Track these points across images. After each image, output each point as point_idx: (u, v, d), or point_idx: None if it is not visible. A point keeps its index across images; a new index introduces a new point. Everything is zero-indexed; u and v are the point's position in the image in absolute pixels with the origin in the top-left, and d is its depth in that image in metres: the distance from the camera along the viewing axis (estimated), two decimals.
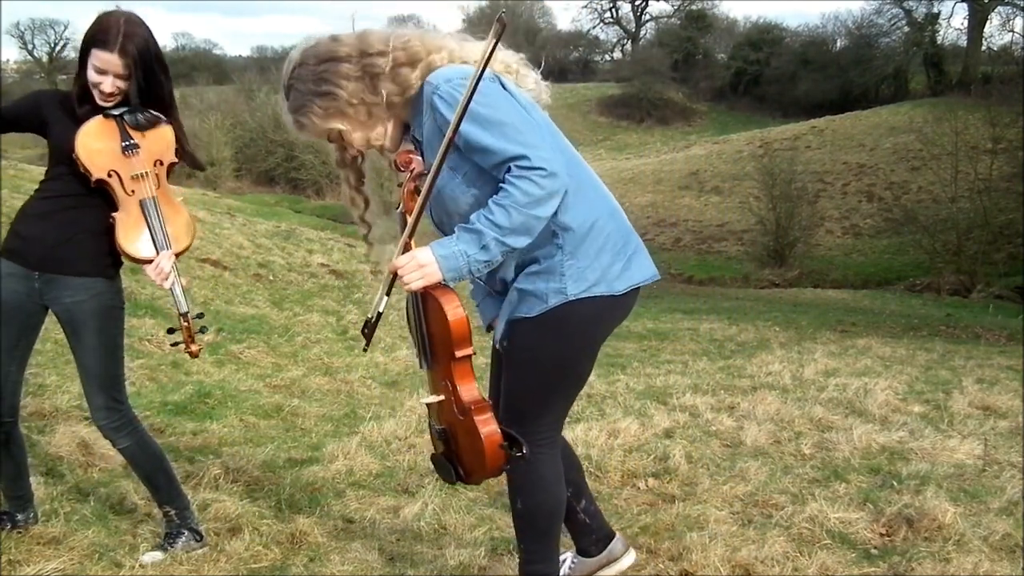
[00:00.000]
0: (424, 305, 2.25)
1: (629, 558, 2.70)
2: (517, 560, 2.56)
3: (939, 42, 44.79)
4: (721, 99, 50.78)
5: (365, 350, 2.54)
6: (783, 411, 5.06)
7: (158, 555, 2.89)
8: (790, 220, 24.86)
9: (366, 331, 2.31)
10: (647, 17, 58.76)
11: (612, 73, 56.37)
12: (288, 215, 28.08)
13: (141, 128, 2.71)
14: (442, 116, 2.11)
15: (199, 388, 5.21)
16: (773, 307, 14.93)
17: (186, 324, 2.81)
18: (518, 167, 2.05)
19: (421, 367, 2.35)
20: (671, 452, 4.13)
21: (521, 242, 2.11)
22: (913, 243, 23.70)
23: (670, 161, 36.92)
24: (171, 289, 2.75)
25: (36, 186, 2.79)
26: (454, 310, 2.15)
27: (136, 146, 2.69)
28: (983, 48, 42.34)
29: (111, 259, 2.77)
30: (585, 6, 67.63)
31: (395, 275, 2.17)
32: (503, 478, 2.39)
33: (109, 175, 2.66)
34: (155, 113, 2.73)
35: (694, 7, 55.47)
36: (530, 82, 2.31)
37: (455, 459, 2.31)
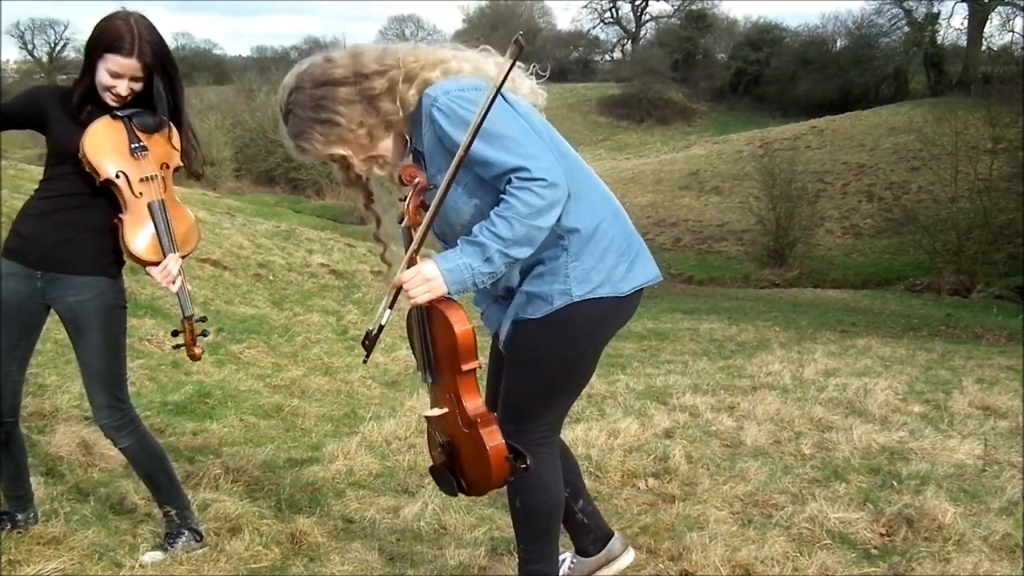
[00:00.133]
0: (429, 318, 2.23)
1: (628, 557, 2.71)
2: (517, 560, 2.56)
3: (939, 42, 44.83)
4: (721, 99, 50.75)
5: (365, 362, 2.54)
6: (783, 411, 5.06)
7: (158, 555, 2.89)
8: (790, 220, 24.84)
9: (366, 343, 2.29)
10: (647, 17, 58.87)
11: (612, 73, 56.37)
12: (288, 215, 28.10)
13: (149, 130, 2.70)
14: (441, 128, 2.12)
15: (199, 388, 5.22)
16: (773, 307, 14.92)
17: (190, 327, 2.82)
18: (519, 178, 2.06)
19: (424, 380, 2.33)
20: (671, 452, 4.13)
21: (524, 253, 2.12)
22: (913, 243, 23.68)
23: (670, 161, 36.91)
24: (177, 292, 2.76)
25: (36, 186, 2.78)
26: (461, 323, 2.15)
27: (144, 148, 2.69)
28: (983, 48, 42.36)
29: (114, 258, 2.77)
30: (585, 6, 67.69)
31: (399, 289, 2.17)
32: None
33: (117, 176, 2.65)
34: (162, 116, 2.72)
35: (694, 7, 55.48)
36: (526, 88, 2.32)
37: (458, 471, 2.30)
